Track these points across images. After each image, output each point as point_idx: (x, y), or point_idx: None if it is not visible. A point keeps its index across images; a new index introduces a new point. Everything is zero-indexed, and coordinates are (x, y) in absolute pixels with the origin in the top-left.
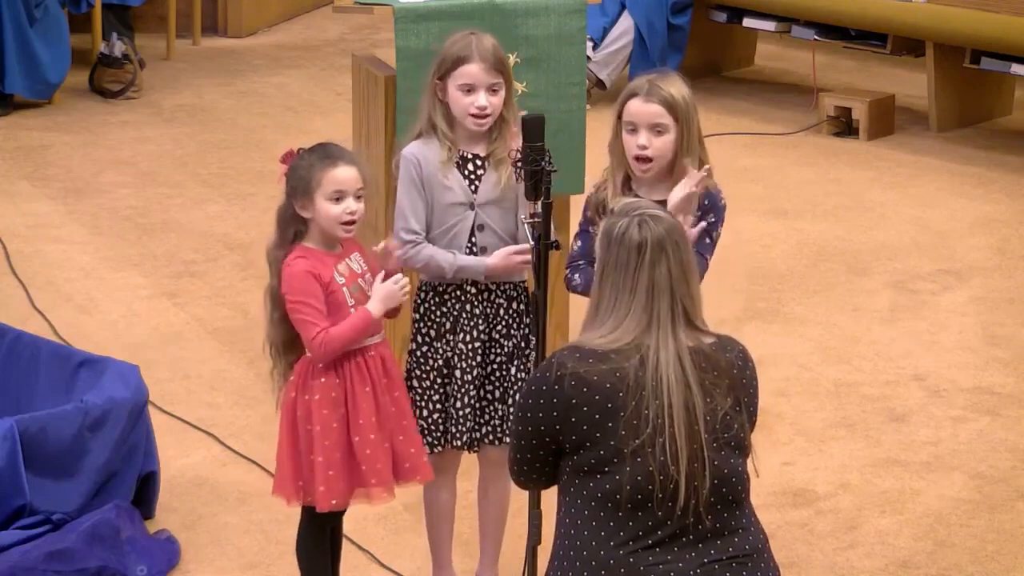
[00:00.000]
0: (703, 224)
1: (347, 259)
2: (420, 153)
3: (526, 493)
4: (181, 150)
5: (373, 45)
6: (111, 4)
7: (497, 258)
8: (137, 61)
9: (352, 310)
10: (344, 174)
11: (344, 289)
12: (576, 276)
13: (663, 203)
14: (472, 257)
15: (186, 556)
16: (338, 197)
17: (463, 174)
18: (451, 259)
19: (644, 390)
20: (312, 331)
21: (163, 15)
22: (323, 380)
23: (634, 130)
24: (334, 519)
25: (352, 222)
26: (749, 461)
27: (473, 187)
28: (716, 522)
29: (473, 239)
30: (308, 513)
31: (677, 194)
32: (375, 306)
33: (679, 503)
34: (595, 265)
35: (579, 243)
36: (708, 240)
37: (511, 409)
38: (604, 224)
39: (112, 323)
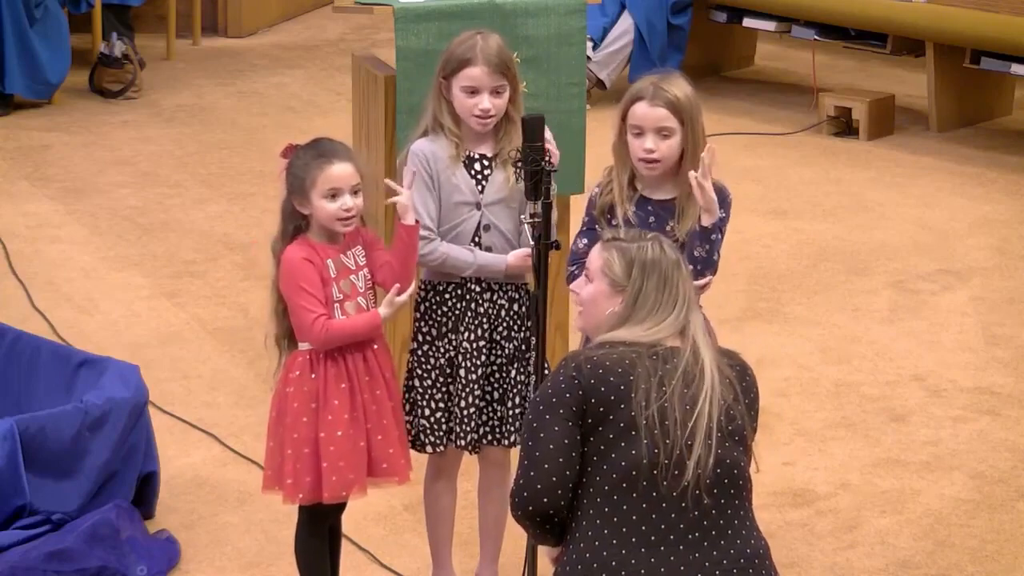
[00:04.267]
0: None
1: (344, 253)
2: (429, 149)
3: None
4: (181, 150)
5: (373, 45)
6: (111, 4)
7: (516, 257)
8: (137, 61)
9: (337, 305)
10: (338, 171)
11: (333, 284)
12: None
13: (668, 202)
14: (491, 255)
15: (186, 556)
16: (334, 194)
17: (470, 174)
18: (471, 258)
19: (661, 370)
20: (309, 317)
21: (163, 15)
22: (298, 374)
23: (640, 133)
24: (331, 518)
25: (349, 218)
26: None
27: (480, 187)
28: (719, 516)
29: (478, 238)
30: (305, 512)
31: (708, 199)
32: (385, 310)
33: (682, 481)
34: (619, 291)
35: (584, 241)
36: (720, 236)
37: (510, 411)
38: (622, 254)
39: (112, 323)
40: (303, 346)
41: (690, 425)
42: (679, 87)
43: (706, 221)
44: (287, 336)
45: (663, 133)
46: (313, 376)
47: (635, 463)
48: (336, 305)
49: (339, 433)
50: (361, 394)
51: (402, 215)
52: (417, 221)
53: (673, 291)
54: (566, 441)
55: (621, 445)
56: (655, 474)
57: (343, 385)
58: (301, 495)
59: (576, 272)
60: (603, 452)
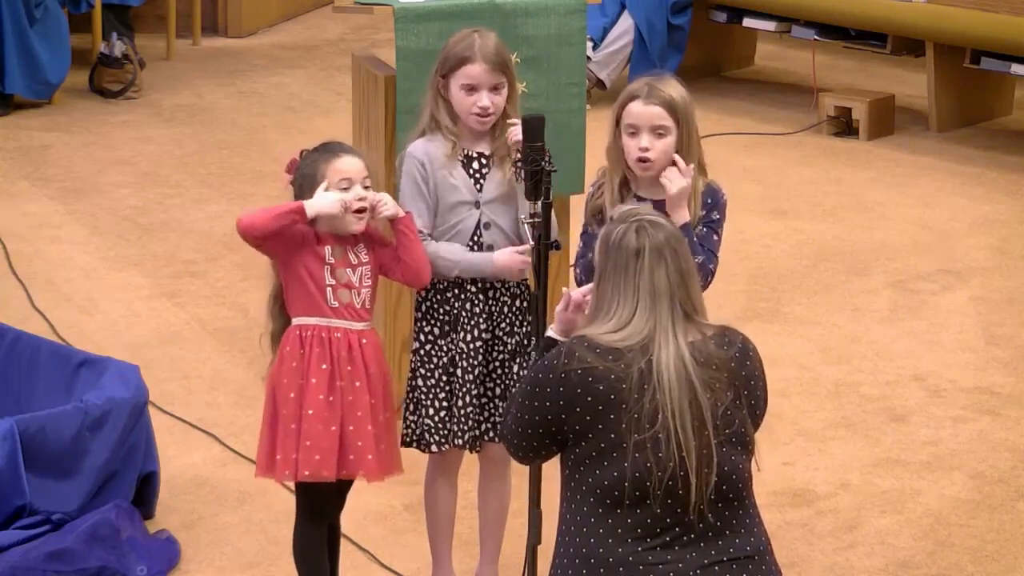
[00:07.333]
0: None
1: (348, 246)
2: (423, 151)
3: (526, 493)
4: (181, 150)
5: (373, 45)
6: (111, 4)
7: (504, 255)
8: (137, 61)
9: (330, 289)
10: (348, 164)
11: (326, 267)
12: (583, 275)
13: (663, 202)
14: (479, 254)
15: (186, 556)
16: (345, 187)
17: (468, 172)
18: (457, 257)
19: (647, 387)
20: None
21: (163, 15)
22: (288, 349)
23: (635, 133)
24: (329, 516)
25: (363, 209)
26: (752, 457)
27: (478, 185)
28: (717, 520)
29: (478, 237)
30: (302, 511)
31: (672, 188)
32: (311, 201)
33: (681, 499)
34: (595, 269)
35: (580, 244)
36: (716, 237)
37: None
38: (603, 230)
39: (112, 323)
40: (295, 321)
41: (689, 450)
42: (674, 88)
43: (676, 221)
44: (281, 334)
45: (658, 132)
46: (302, 352)
47: (619, 483)
48: (329, 289)
49: (311, 412)
50: (340, 380)
51: (392, 215)
52: (408, 213)
53: (631, 282)
54: (540, 436)
55: (604, 464)
56: (648, 500)
57: (324, 366)
58: (288, 471)
59: (579, 273)
60: (594, 459)
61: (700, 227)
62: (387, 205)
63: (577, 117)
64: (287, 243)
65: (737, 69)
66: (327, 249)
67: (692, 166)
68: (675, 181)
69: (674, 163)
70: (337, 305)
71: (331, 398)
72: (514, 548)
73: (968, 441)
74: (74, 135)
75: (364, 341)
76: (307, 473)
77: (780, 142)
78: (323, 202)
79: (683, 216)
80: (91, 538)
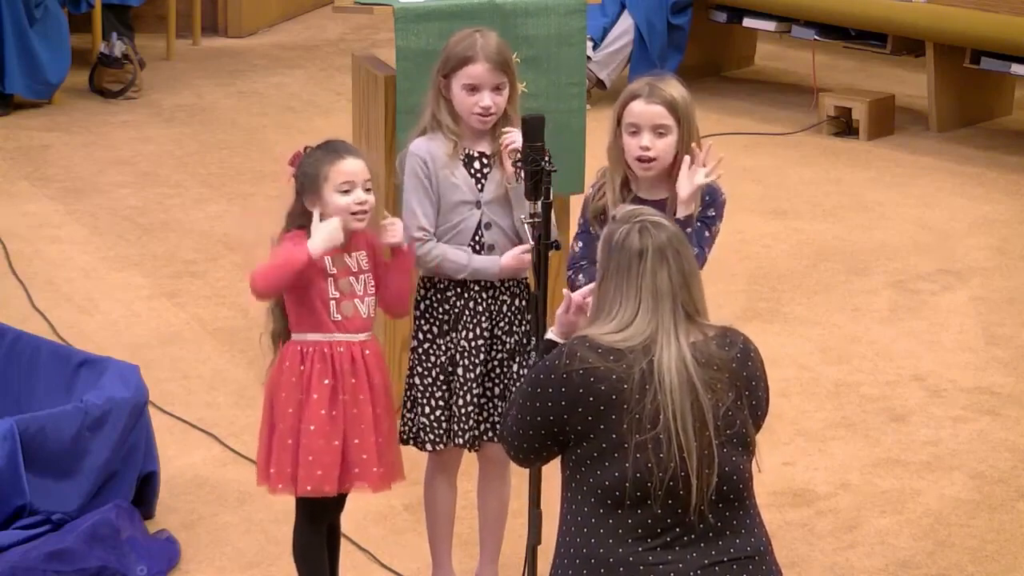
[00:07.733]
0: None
1: (348, 254)
2: (427, 150)
3: (526, 493)
4: (181, 150)
5: (373, 45)
6: (111, 4)
7: (510, 258)
8: (137, 61)
9: (333, 302)
10: (351, 166)
11: (328, 279)
12: (580, 277)
13: (663, 202)
14: (486, 257)
15: (186, 556)
16: (347, 189)
17: (469, 172)
18: (464, 260)
19: (648, 387)
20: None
21: (163, 15)
22: (287, 364)
23: (636, 132)
24: (329, 516)
25: (363, 212)
26: (753, 458)
27: (480, 185)
28: (718, 520)
29: (479, 237)
30: (302, 511)
31: (686, 188)
32: (313, 243)
33: (682, 500)
34: (596, 269)
35: (580, 244)
36: (707, 234)
37: None
38: (605, 230)
39: (112, 323)
40: (296, 337)
41: (690, 451)
42: (675, 88)
43: (680, 213)
44: (281, 334)
45: (659, 131)
46: (302, 368)
47: (619, 483)
48: (332, 302)
49: (312, 428)
50: (343, 394)
51: (397, 244)
52: (408, 246)
53: (634, 282)
54: (543, 437)
55: (605, 464)
56: (649, 500)
57: (326, 381)
58: (281, 485)
59: (572, 276)
60: (595, 459)
61: (695, 222)
62: (396, 230)
63: (577, 117)
64: (298, 282)
65: (737, 69)
66: (327, 259)
67: (706, 164)
68: (683, 185)
69: (689, 161)
70: (340, 319)
71: (333, 412)
72: (514, 548)
73: (968, 441)
74: (74, 135)
75: (367, 352)
76: (309, 488)
77: (780, 142)
78: (323, 238)
79: (687, 209)
80: (91, 538)
